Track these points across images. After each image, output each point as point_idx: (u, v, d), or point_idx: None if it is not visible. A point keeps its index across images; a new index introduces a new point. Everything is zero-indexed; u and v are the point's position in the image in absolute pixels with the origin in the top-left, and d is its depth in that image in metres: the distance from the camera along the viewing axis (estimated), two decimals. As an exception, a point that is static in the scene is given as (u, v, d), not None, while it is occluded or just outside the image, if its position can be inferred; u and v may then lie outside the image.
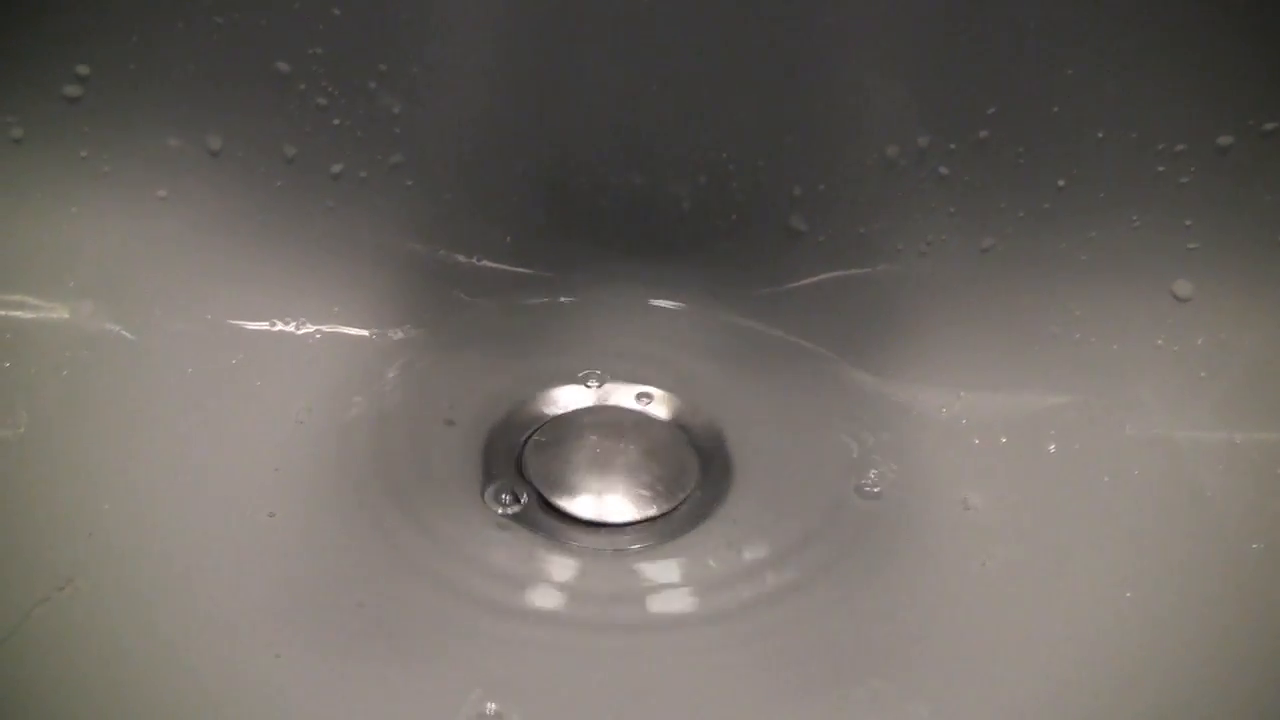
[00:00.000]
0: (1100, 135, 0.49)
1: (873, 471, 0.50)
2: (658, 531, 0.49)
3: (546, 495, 0.49)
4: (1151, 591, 0.45)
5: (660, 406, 0.53)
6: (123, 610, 0.42)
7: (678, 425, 0.53)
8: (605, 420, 0.53)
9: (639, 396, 0.54)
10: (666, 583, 0.47)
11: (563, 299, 0.56)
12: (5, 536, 0.44)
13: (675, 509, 0.49)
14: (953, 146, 0.51)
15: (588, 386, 0.54)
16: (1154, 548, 0.46)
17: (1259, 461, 0.48)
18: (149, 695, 0.40)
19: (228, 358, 0.52)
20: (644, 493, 0.50)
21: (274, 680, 0.41)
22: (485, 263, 0.55)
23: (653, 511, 0.49)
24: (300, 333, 0.53)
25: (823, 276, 0.54)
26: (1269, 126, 0.48)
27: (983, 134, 0.50)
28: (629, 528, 0.49)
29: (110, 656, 0.41)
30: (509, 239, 0.55)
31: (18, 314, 0.50)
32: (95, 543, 0.44)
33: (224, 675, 0.41)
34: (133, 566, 0.44)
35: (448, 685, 0.42)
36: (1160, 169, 0.49)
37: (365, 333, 0.54)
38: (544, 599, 0.46)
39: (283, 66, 0.51)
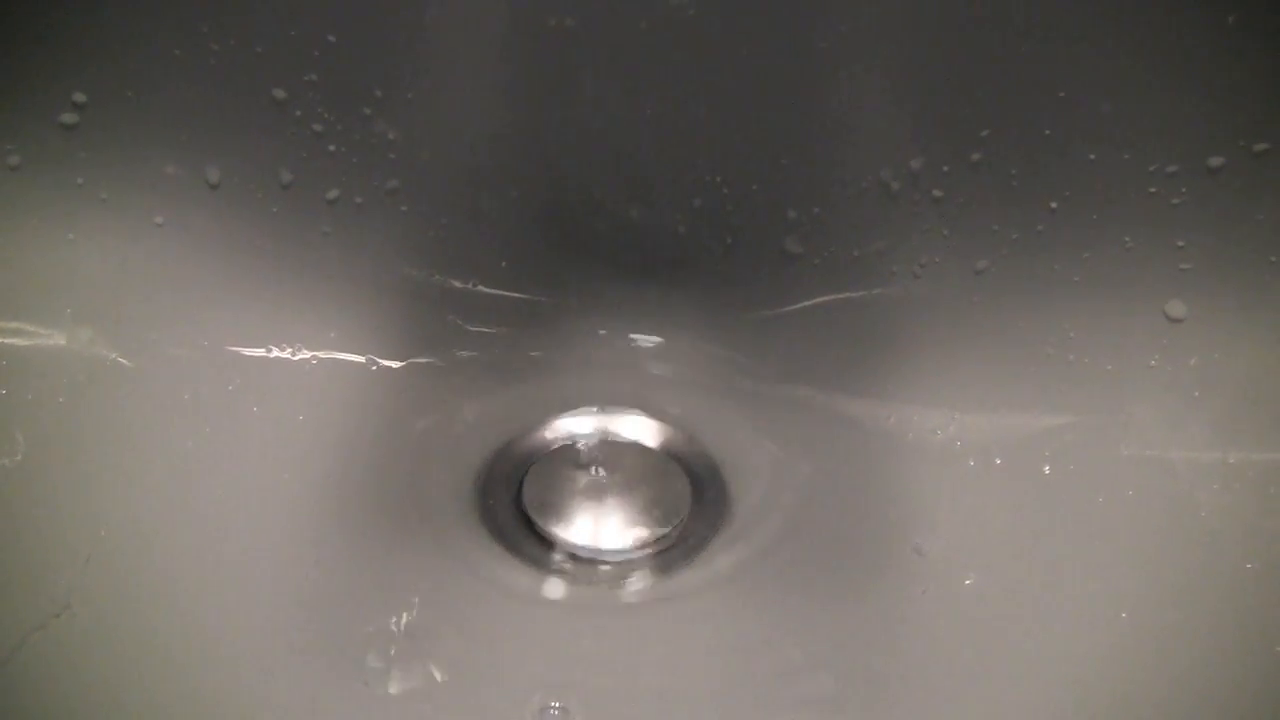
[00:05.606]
0: (1093, 157, 0.49)
1: (867, 495, 0.50)
2: (653, 561, 0.49)
3: (542, 525, 0.49)
4: (1147, 611, 0.45)
5: (656, 434, 0.53)
6: (119, 636, 0.42)
7: (672, 453, 0.53)
8: (602, 449, 0.53)
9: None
10: (661, 609, 0.47)
11: (559, 323, 0.56)
12: (2, 562, 0.44)
13: (670, 538, 0.49)
14: (946, 169, 0.51)
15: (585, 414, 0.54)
16: (1149, 567, 0.46)
17: (1254, 481, 0.48)
18: (146, 721, 0.40)
19: (224, 384, 0.52)
20: (640, 520, 0.50)
21: (273, 705, 0.41)
22: (481, 288, 0.55)
23: (648, 540, 0.49)
24: (296, 358, 0.53)
25: (818, 299, 0.54)
26: (1260, 147, 0.48)
27: (976, 156, 0.50)
28: (624, 556, 0.49)
29: (107, 683, 0.41)
30: (504, 264, 0.55)
31: (15, 341, 0.50)
32: (92, 568, 0.44)
33: (222, 701, 0.41)
34: (130, 592, 0.44)
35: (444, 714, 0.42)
36: (1153, 190, 0.49)
37: (361, 358, 0.54)
38: (544, 625, 0.46)
39: (279, 93, 0.51)
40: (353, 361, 0.54)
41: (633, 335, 0.56)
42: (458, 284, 0.55)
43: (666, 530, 0.49)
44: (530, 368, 0.55)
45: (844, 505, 0.50)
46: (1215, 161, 0.48)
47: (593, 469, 0.52)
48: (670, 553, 0.49)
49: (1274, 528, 0.47)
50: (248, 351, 0.53)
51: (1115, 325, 0.51)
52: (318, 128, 0.52)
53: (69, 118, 0.50)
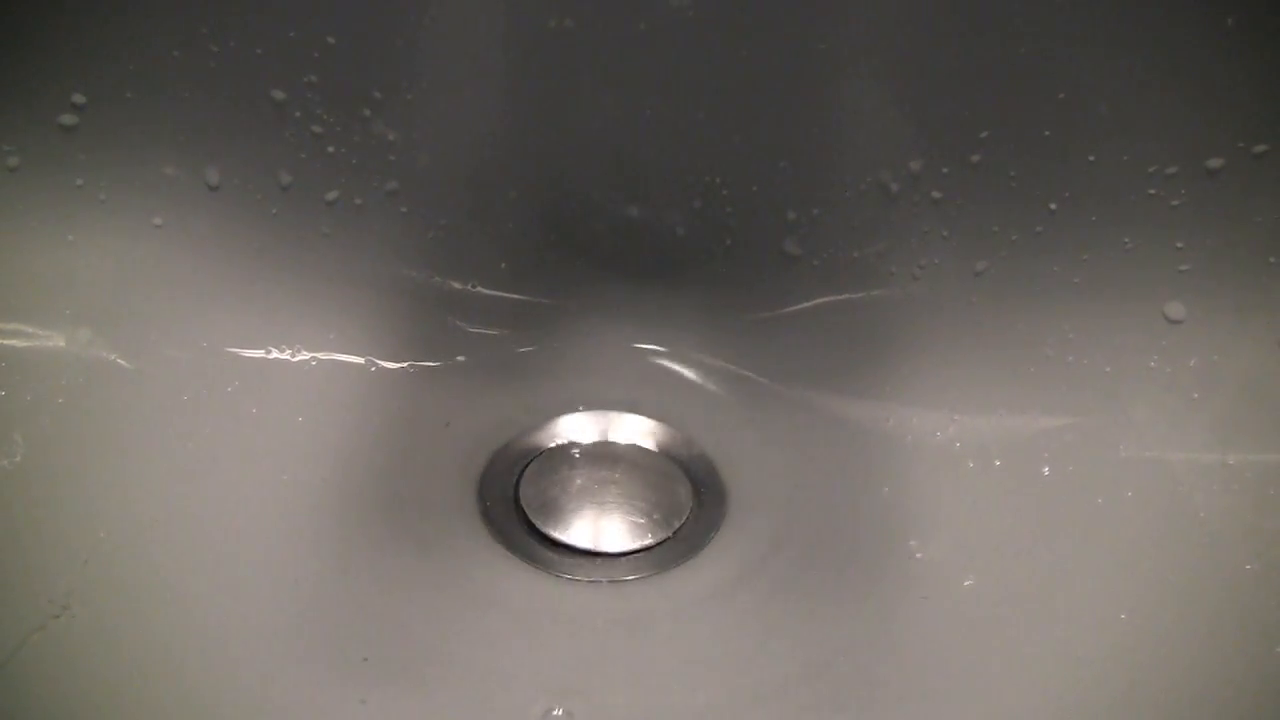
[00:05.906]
0: (1092, 158, 0.49)
1: (866, 496, 0.50)
2: (653, 562, 0.49)
3: (542, 526, 0.49)
4: (1147, 612, 0.45)
5: (655, 435, 0.53)
6: (119, 638, 0.42)
7: (671, 455, 0.53)
8: (601, 451, 0.53)
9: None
10: (661, 613, 0.47)
11: (559, 325, 0.56)
12: (2, 562, 0.44)
13: (670, 540, 0.49)
14: (946, 170, 0.51)
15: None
16: (1148, 569, 0.46)
17: (1253, 482, 0.48)
18: (145, 723, 0.40)
19: (224, 385, 0.52)
20: (639, 522, 0.50)
21: (271, 706, 0.41)
22: (481, 289, 0.55)
23: (648, 542, 0.49)
24: (296, 360, 0.53)
25: (817, 301, 0.54)
26: (1260, 149, 0.48)
27: (975, 158, 0.50)
28: (624, 558, 0.49)
29: (107, 683, 0.41)
30: (504, 265, 0.55)
31: (14, 342, 0.50)
32: (91, 570, 0.44)
33: (221, 702, 0.41)
34: (129, 593, 0.44)
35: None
36: (1152, 191, 0.49)
37: (360, 360, 0.54)
38: (541, 629, 0.46)
39: (278, 94, 0.51)
40: (352, 363, 0.54)
41: (632, 337, 0.56)
42: (457, 285, 0.55)
43: (666, 533, 0.49)
44: (529, 369, 0.55)
45: (843, 507, 0.50)
46: (1214, 163, 0.48)
47: (592, 470, 0.52)
48: (670, 555, 0.49)
49: (1274, 528, 0.47)
50: (247, 353, 0.53)
51: (1114, 326, 0.51)
52: (317, 129, 0.52)
53: (69, 119, 0.50)
